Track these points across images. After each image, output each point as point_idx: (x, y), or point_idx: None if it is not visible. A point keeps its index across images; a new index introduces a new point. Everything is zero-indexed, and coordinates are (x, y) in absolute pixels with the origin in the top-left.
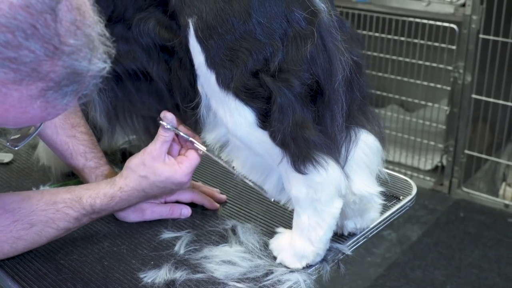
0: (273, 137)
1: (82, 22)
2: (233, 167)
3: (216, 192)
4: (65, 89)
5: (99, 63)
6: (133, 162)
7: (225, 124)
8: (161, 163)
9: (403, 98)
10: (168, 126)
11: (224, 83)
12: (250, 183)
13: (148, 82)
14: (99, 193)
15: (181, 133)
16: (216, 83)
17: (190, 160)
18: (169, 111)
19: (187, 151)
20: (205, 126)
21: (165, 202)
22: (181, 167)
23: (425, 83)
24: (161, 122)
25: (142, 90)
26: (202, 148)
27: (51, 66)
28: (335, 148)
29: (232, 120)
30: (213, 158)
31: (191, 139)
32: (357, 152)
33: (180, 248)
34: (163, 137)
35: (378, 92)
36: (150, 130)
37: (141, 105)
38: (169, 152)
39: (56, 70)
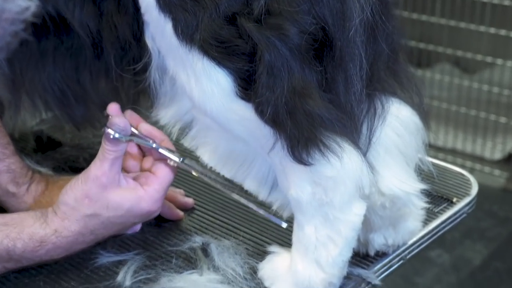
0: (260, 111)
1: None
2: (230, 185)
3: (179, 194)
4: None
5: (19, 1)
6: (72, 195)
7: (188, 94)
8: (115, 191)
9: (459, 53)
10: (117, 136)
11: (186, 33)
12: (260, 212)
13: (66, 34)
14: (21, 232)
15: (141, 141)
16: (174, 33)
17: (160, 178)
18: (119, 112)
19: (154, 164)
20: (158, 98)
21: None
22: (147, 191)
23: (492, 30)
24: (107, 130)
25: (57, 47)
26: (175, 158)
27: None
28: (352, 126)
29: (199, 89)
30: (194, 174)
31: (158, 148)
32: (385, 131)
33: (125, 277)
34: (112, 153)
35: (421, 45)
36: (70, 102)
37: (55, 69)
38: (124, 168)
39: None
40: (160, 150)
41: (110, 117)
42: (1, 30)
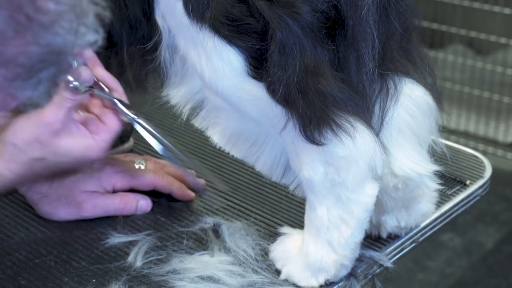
0: (272, 91)
1: None
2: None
3: (190, 174)
4: (39, 75)
5: (88, 35)
6: (22, 136)
7: (199, 73)
8: (66, 139)
9: (472, 34)
10: (77, 85)
11: (196, 11)
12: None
13: None
14: None
15: (101, 94)
16: (185, 12)
17: (110, 128)
18: (85, 64)
19: (104, 113)
20: (168, 78)
21: (114, 191)
22: (96, 140)
23: (507, 10)
24: (69, 78)
25: None
26: (129, 114)
27: (22, 45)
28: (365, 106)
29: (210, 68)
30: (141, 133)
31: (116, 103)
32: (398, 112)
33: (136, 258)
34: (70, 101)
35: (434, 25)
36: None
37: None
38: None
39: (27, 51)
40: (117, 104)
41: (76, 68)
42: (70, 62)
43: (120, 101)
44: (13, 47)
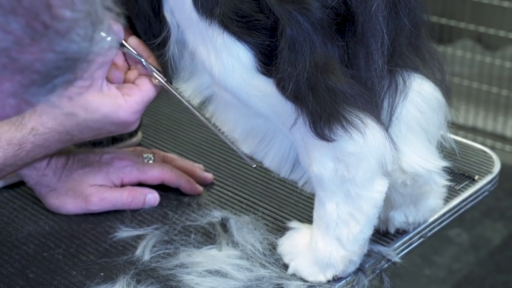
0: (281, 87)
1: None
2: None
3: (198, 168)
4: (53, 81)
5: (103, 42)
6: None
7: (208, 69)
8: (96, 95)
9: (481, 29)
10: (110, 39)
11: (206, 8)
12: (232, 146)
13: None
14: None
15: (132, 52)
16: (194, 7)
17: (143, 91)
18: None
19: (138, 78)
20: (178, 72)
21: (122, 185)
22: (127, 101)
23: None
24: (101, 34)
25: None
26: (161, 78)
27: (38, 52)
28: (374, 102)
29: (220, 64)
30: (177, 96)
31: (145, 61)
32: (407, 108)
33: (144, 252)
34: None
35: (443, 20)
36: None
37: None
38: (108, 78)
39: (43, 58)
40: (148, 66)
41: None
42: (85, 68)
43: (151, 64)
44: (29, 54)
